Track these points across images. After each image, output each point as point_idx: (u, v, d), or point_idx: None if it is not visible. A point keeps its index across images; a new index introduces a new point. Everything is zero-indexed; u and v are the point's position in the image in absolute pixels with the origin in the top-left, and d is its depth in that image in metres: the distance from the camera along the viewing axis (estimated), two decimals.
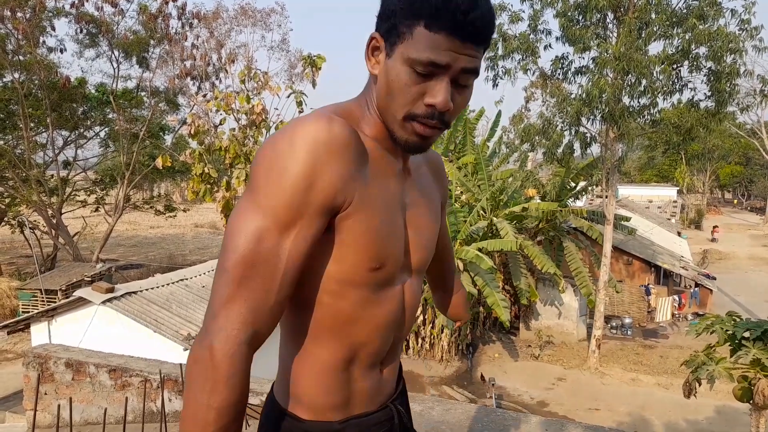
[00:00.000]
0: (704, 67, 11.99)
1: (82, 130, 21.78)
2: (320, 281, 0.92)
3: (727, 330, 4.66)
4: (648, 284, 18.17)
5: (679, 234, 27.10)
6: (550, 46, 13.12)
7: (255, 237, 0.82)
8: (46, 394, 4.65)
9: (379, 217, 0.92)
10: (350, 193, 0.87)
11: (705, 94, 12.43)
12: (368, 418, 1.04)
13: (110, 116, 21.11)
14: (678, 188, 42.94)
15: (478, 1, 0.82)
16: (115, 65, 20.09)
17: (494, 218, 14.15)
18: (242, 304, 0.81)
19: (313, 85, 15.87)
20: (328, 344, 0.97)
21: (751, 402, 4.65)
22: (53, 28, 18.40)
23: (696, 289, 18.42)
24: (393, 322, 1.02)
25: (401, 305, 1.03)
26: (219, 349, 0.79)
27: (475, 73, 0.89)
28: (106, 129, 22.19)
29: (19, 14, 16.57)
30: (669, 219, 31.72)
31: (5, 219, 21.11)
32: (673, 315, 17.77)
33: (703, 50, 11.76)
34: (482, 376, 13.08)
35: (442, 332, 13.80)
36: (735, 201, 60.65)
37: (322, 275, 0.92)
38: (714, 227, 34.67)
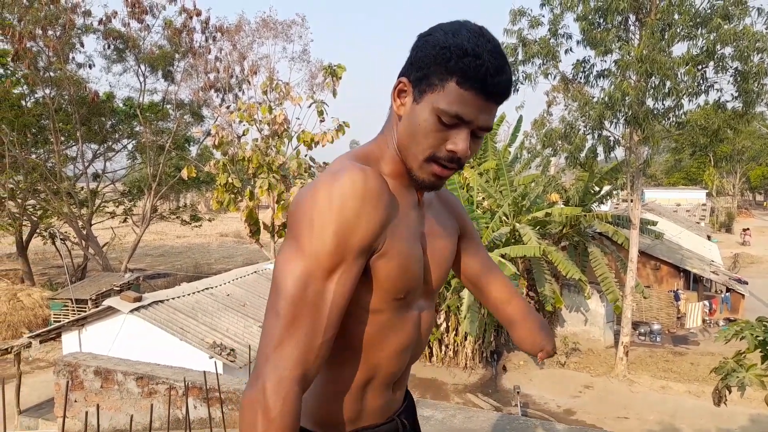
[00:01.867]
0: (730, 67, 11.75)
1: (110, 143, 22.35)
2: (350, 310, 0.97)
3: (757, 336, 4.53)
4: (677, 289, 17.78)
5: (708, 238, 26.48)
6: (571, 50, 13.00)
7: (302, 281, 0.88)
8: (75, 401, 4.77)
9: (407, 251, 0.99)
10: (384, 236, 0.94)
11: (732, 94, 12.17)
12: (375, 429, 1.10)
13: (137, 129, 21.62)
14: (707, 191, 41.99)
15: (504, 66, 0.92)
16: (141, 79, 20.61)
17: (517, 224, 14.04)
18: (293, 345, 0.86)
19: (334, 94, 16.00)
20: (350, 367, 1.03)
21: None
22: (82, 45, 18.97)
23: (727, 294, 17.95)
24: (410, 345, 1.08)
25: (418, 329, 1.10)
26: (272, 391, 0.83)
27: (489, 130, 0.98)
28: (134, 142, 22.72)
29: (50, 32, 17.11)
30: (698, 223, 31.01)
31: (37, 231, 21.72)
32: (704, 321, 17.34)
33: (728, 50, 11.53)
34: (504, 367, 12.96)
35: (466, 339, 13.70)
36: (765, 203, 59.00)
37: (352, 305, 0.97)
38: (745, 230, 33.75)
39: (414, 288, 1.03)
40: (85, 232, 19.83)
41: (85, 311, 12.11)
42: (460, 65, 0.89)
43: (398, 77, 0.99)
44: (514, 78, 0.93)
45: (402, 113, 0.98)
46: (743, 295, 17.73)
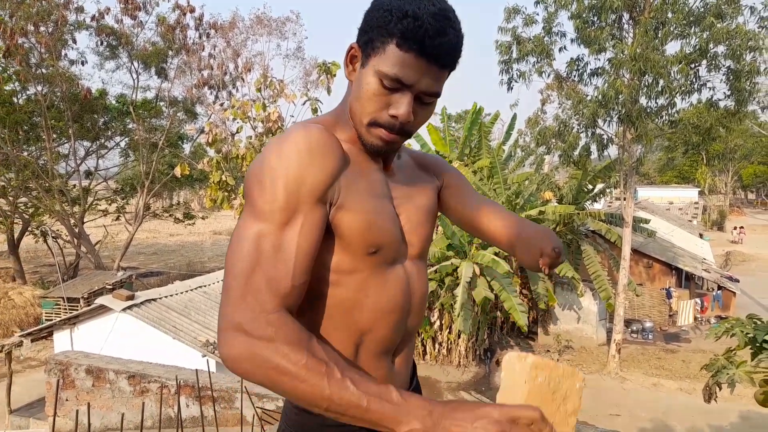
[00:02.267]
0: (723, 65, 11.83)
1: (102, 141, 22.21)
2: (319, 274, 0.96)
3: (747, 333, 4.56)
4: (669, 287, 17.88)
5: (701, 236, 26.63)
6: (565, 48, 13.04)
7: (256, 239, 0.86)
8: (67, 400, 4.75)
9: (369, 205, 0.98)
10: (337, 188, 0.93)
11: (724, 93, 12.25)
12: None
13: (130, 126, 21.49)
14: (699, 189, 42.23)
15: (446, 28, 0.90)
16: (134, 76, 20.47)
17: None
18: (255, 291, 0.83)
19: (328, 92, 15.97)
20: (333, 335, 0.99)
21: None
22: (74, 41, 18.82)
23: (719, 291, 18.07)
24: (398, 306, 1.04)
25: (405, 289, 1.06)
26: (251, 325, 0.80)
27: (436, 95, 0.96)
28: (126, 139, 22.59)
29: (42, 28, 16.98)
30: (690, 221, 31.21)
31: (29, 229, 21.57)
32: (695, 318, 17.45)
33: (721, 49, 11.60)
34: (498, 361, 12.98)
35: (459, 337, 13.73)
36: (756, 201, 59.43)
37: (320, 269, 0.96)
38: (740, 228, 33.94)
39: (386, 243, 1.00)
40: (77, 230, 19.70)
41: (77, 310, 12.04)
42: (399, 26, 0.89)
43: (351, 43, 0.99)
44: (462, 43, 0.91)
45: (353, 78, 0.99)
46: (734, 293, 17.86)
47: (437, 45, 0.90)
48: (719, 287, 18.11)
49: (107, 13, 18.47)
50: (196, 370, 4.10)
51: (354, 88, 0.99)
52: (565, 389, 0.88)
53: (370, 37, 0.94)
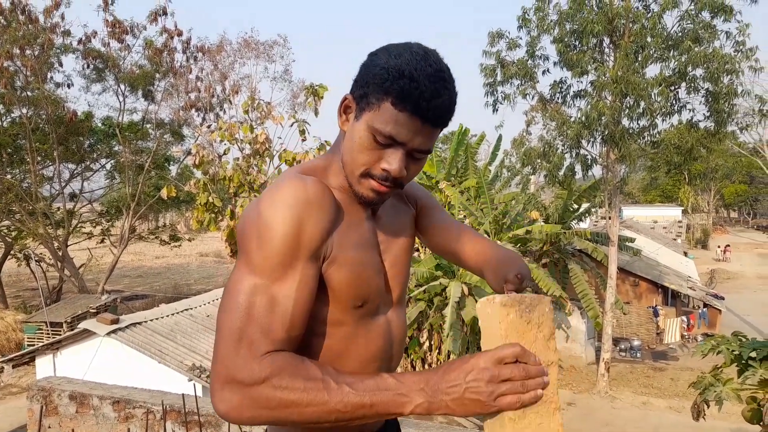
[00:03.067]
0: (702, 88, 12.13)
1: (88, 163, 22.04)
2: (309, 325, 0.96)
3: (733, 350, 4.61)
4: (656, 305, 18.00)
5: (685, 254, 26.94)
6: (548, 71, 13.32)
7: (250, 293, 0.87)
8: (50, 427, 4.63)
9: (359, 258, 1.00)
10: (330, 243, 0.95)
11: (704, 114, 12.54)
12: None
13: (116, 149, 21.38)
14: (682, 208, 42.84)
15: (441, 91, 0.92)
16: (121, 99, 20.44)
17: (498, 242, 14.12)
18: (249, 341, 0.84)
19: (316, 114, 16.07)
20: None
21: (761, 424, 4.56)
22: (61, 64, 18.79)
23: (704, 309, 18.23)
24: (381, 355, 1.07)
25: (388, 338, 1.09)
26: (249, 373, 0.81)
27: (427, 152, 0.99)
28: (112, 161, 22.45)
29: (27, 52, 16.95)
30: (675, 239, 31.57)
31: (11, 252, 21.22)
32: (682, 336, 17.56)
33: (699, 72, 11.90)
34: None
35: (449, 358, 13.65)
36: (734, 221, 60.33)
37: (310, 320, 0.96)
38: (726, 246, 34.39)
39: (372, 296, 1.03)
40: (60, 254, 19.43)
41: (60, 334, 11.82)
42: (395, 86, 0.90)
43: (345, 94, 1.02)
44: (456, 102, 0.97)
45: (346, 129, 1.01)
46: (720, 311, 18.02)
47: (432, 107, 0.92)
48: (705, 305, 18.27)
49: (94, 37, 18.51)
50: (183, 394, 4.04)
51: (346, 140, 1.00)
52: (537, 316, 0.90)
53: (366, 92, 0.95)
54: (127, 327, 9.80)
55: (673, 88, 12.23)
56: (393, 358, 1.12)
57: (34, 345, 11.79)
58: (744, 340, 4.91)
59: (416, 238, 1.31)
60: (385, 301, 1.10)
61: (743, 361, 4.72)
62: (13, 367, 10.46)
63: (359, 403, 0.80)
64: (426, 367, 14.03)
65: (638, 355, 16.16)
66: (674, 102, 12.44)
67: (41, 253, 20.85)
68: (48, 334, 14.14)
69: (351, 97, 1.00)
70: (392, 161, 0.95)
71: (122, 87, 20.15)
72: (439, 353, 13.83)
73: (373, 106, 0.94)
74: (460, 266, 1.34)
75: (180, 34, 19.18)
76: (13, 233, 20.58)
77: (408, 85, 0.90)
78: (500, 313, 0.86)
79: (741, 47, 11.70)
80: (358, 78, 0.98)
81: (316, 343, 0.99)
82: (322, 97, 16.02)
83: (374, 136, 0.94)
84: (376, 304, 1.05)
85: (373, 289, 1.03)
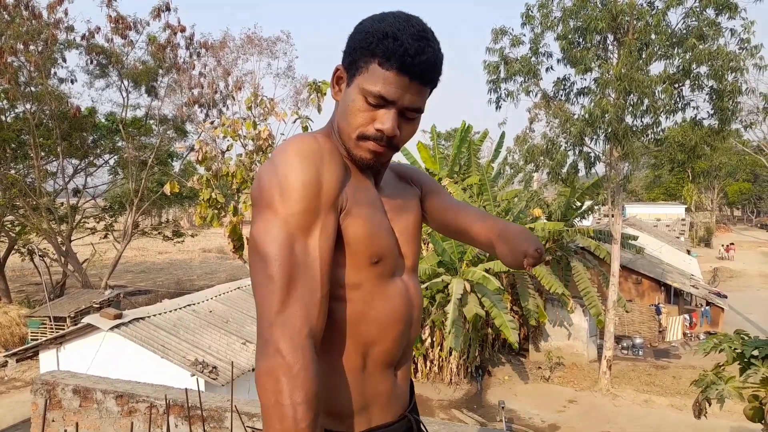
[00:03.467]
0: (706, 85, 12.08)
1: (91, 159, 22.08)
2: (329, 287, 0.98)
3: (735, 348, 4.61)
4: (658, 303, 17.98)
5: (688, 252, 26.88)
6: (551, 68, 13.27)
7: (287, 242, 0.90)
8: (53, 421, 4.66)
9: (370, 216, 1.03)
10: (345, 194, 0.98)
11: (708, 112, 12.49)
12: (388, 429, 1.08)
13: (119, 144, 21.41)
14: (686, 206, 42.71)
15: (425, 48, 0.96)
16: (124, 94, 20.47)
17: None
18: (296, 304, 0.87)
19: (319, 110, 16.06)
20: (342, 348, 1.02)
21: (763, 422, 4.57)
22: (64, 60, 18.81)
23: (707, 307, 18.19)
24: (401, 317, 1.08)
25: (407, 300, 1.10)
26: (288, 350, 0.84)
27: (418, 111, 1.02)
28: (116, 157, 22.48)
29: (31, 47, 16.97)
30: (678, 237, 31.48)
31: (15, 247, 21.30)
32: (684, 334, 17.53)
33: (704, 69, 11.85)
34: (489, 372, 12.89)
35: (451, 354, 13.68)
36: (737, 219, 60.12)
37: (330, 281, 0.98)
38: (730, 244, 34.28)
39: (386, 254, 1.04)
40: (64, 249, 19.49)
41: (64, 329, 11.87)
42: (380, 47, 0.95)
43: (336, 65, 1.05)
44: (441, 61, 1.02)
45: (339, 98, 1.05)
46: (723, 309, 17.99)
47: (417, 63, 0.95)
48: (708, 303, 18.23)
49: (97, 33, 18.52)
50: (186, 389, 4.06)
51: (340, 106, 1.04)
52: None
53: (354, 58, 0.99)
54: (130, 322, 9.84)
55: (677, 85, 12.18)
56: (413, 323, 1.12)
57: (37, 339, 11.85)
58: (746, 338, 4.90)
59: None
60: (400, 265, 1.11)
61: (745, 360, 4.72)
62: (17, 361, 10.52)
63: None
64: (428, 363, 14.06)
65: (640, 353, 16.15)
66: (678, 99, 12.40)
67: (45, 248, 20.92)
68: (51, 328, 14.20)
69: (342, 67, 1.03)
70: (385, 120, 0.98)
71: (125, 83, 20.18)
72: (441, 350, 13.86)
73: (361, 69, 0.98)
74: (469, 243, 1.34)
75: (183, 30, 19.19)
76: (17, 228, 20.65)
77: (392, 44, 0.94)
78: None
79: (746, 45, 11.64)
80: (346, 47, 1.02)
81: (336, 308, 1.00)
82: (324, 94, 16.00)
83: (365, 97, 0.98)
84: (391, 263, 1.06)
85: (387, 246, 1.05)
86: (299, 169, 0.92)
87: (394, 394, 1.11)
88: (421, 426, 1.17)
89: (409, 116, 1.02)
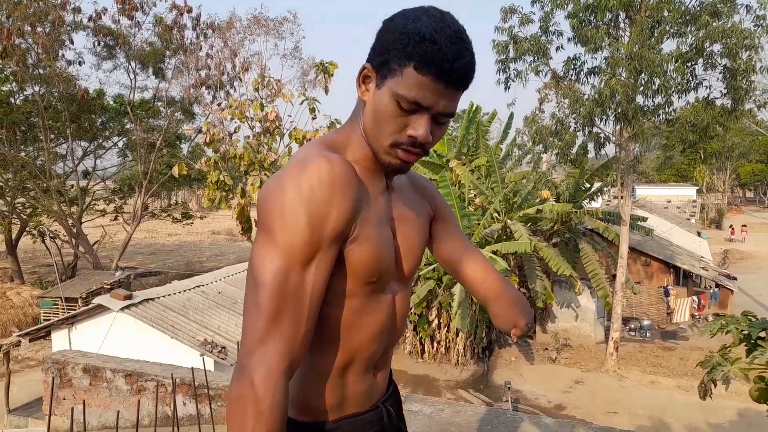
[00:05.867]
0: (719, 64, 11.84)
1: (100, 141, 22.19)
2: (324, 297, 0.98)
3: (742, 330, 4.58)
4: (667, 285, 17.91)
5: (699, 234, 26.69)
6: (561, 47, 13.06)
7: (282, 274, 0.88)
8: (64, 399, 4.75)
9: (377, 236, 1.01)
10: (355, 222, 0.96)
11: (721, 91, 12.27)
12: (360, 417, 1.10)
13: (128, 126, 21.48)
14: (697, 188, 42.30)
15: (463, 52, 0.92)
16: (132, 76, 20.46)
17: (508, 220, 14.09)
18: (278, 337, 0.87)
19: (326, 91, 15.99)
20: (328, 352, 1.04)
21: None
22: (72, 42, 18.80)
23: (716, 289, 18.11)
24: (386, 328, 1.09)
25: (392, 312, 1.11)
26: (261, 384, 0.84)
27: (451, 116, 0.98)
28: (124, 139, 22.58)
29: (39, 29, 16.96)
30: (688, 219, 31.26)
31: (27, 229, 21.55)
32: (693, 316, 17.49)
33: (717, 47, 11.61)
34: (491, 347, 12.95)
35: (457, 336, 13.75)
36: (748, 201, 59.45)
37: (326, 292, 0.98)
38: (742, 226, 33.91)
39: (385, 272, 1.04)
40: (75, 231, 19.69)
41: (75, 309, 12.04)
42: (417, 50, 0.89)
43: (364, 63, 1.00)
44: (476, 63, 0.96)
45: (366, 99, 0.99)
46: (732, 291, 17.89)
47: (455, 68, 0.91)
48: (717, 285, 18.15)
49: (104, 14, 18.46)
50: (192, 368, 4.11)
51: (369, 109, 0.99)
52: None
53: (387, 59, 0.94)
54: (140, 303, 9.97)
55: (689, 64, 11.96)
56: (395, 331, 1.14)
57: (49, 320, 12.04)
58: (753, 320, 4.88)
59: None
60: (395, 277, 1.11)
61: (752, 341, 4.70)
62: (30, 341, 10.69)
63: None
64: (435, 345, 14.15)
65: (648, 334, 16.15)
66: (690, 78, 12.17)
67: (56, 230, 21.16)
68: (63, 309, 14.42)
69: (370, 66, 0.98)
70: (418, 127, 0.95)
71: (133, 64, 20.16)
72: (447, 331, 13.93)
73: (395, 72, 0.93)
74: (463, 286, 1.35)
75: (190, 10, 19.07)
76: (29, 210, 20.87)
77: (430, 48, 0.89)
78: None
79: (761, 22, 11.38)
80: (376, 45, 0.97)
81: (331, 315, 1.01)
82: (332, 75, 15.90)
83: (399, 102, 0.93)
84: (387, 280, 1.07)
85: (388, 266, 1.04)
86: (307, 200, 0.89)
87: (372, 390, 1.13)
88: (392, 417, 1.18)
89: (441, 121, 0.98)
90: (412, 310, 13.32)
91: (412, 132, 0.95)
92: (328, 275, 0.93)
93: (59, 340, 10.31)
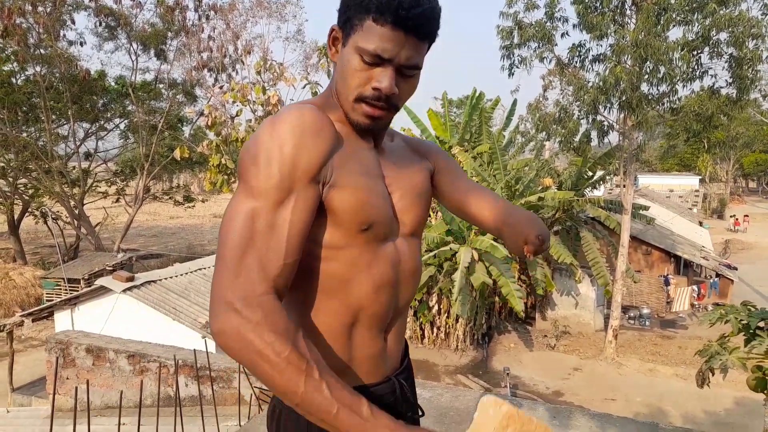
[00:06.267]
0: (725, 53, 11.73)
1: (102, 122, 22.13)
2: (312, 250, 0.98)
3: (741, 320, 4.59)
4: (667, 274, 17.96)
5: (700, 224, 26.66)
6: (567, 33, 12.93)
7: (251, 215, 0.88)
8: (68, 378, 4.81)
9: (360, 183, 1.00)
10: (330, 167, 0.95)
11: (726, 80, 12.17)
12: (372, 389, 1.08)
13: (129, 108, 21.40)
14: (700, 177, 42.15)
15: (420, 0, 0.92)
16: (133, 58, 20.35)
17: None
18: (249, 269, 0.85)
19: (329, 75, 15.87)
20: (328, 309, 1.02)
21: (765, 392, 4.60)
22: (73, 22, 18.65)
23: (716, 279, 18.15)
24: (389, 281, 1.06)
25: (396, 265, 1.08)
26: (242, 304, 0.81)
27: (416, 67, 0.98)
28: (126, 121, 22.52)
29: (40, 8, 16.83)
30: (690, 209, 31.20)
31: (29, 210, 21.59)
32: (692, 305, 17.55)
33: (723, 36, 11.50)
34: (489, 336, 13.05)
35: (457, 322, 13.83)
36: (751, 191, 59.30)
37: (313, 245, 0.98)
38: (744, 216, 33.88)
39: (378, 220, 1.02)
40: (77, 212, 19.73)
41: (78, 290, 12.12)
42: (373, 2, 0.92)
43: (332, 25, 1.02)
44: (439, 13, 0.98)
45: (336, 59, 1.01)
46: (732, 281, 17.93)
47: (412, 16, 0.92)
48: (717, 275, 18.18)
49: None
50: (194, 350, 4.15)
51: (338, 67, 1.01)
52: None
53: (348, 16, 0.96)
54: (142, 285, 10.03)
55: (695, 52, 11.86)
56: (402, 287, 1.10)
57: (52, 300, 12.12)
58: (753, 309, 4.90)
59: (432, 196, 1.30)
60: (393, 230, 1.09)
61: (751, 331, 4.72)
62: (33, 321, 10.78)
63: (326, 408, 0.79)
64: (435, 330, 14.25)
65: (647, 323, 16.22)
66: (696, 67, 12.07)
67: (58, 211, 21.20)
68: (66, 289, 14.51)
69: (337, 27, 1.00)
70: (382, 79, 0.96)
71: (134, 46, 20.03)
72: (447, 317, 14.01)
73: (356, 27, 0.95)
74: (476, 225, 1.32)
75: None
76: (30, 191, 20.89)
77: None
78: (500, 422, 0.83)
79: None
80: (340, 5, 0.99)
81: (325, 270, 0.99)
82: None
83: (361, 56, 0.95)
84: (382, 229, 1.04)
85: (378, 213, 1.03)
86: (278, 146, 0.90)
87: (383, 357, 1.10)
88: (405, 390, 1.16)
89: (407, 73, 0.98)
90: (419, 282, 13.37)
91: (375, 84, 0.96)
92: (307, 216, 0.92)
93: (62, 321, 10.39)
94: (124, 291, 9.68)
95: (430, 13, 0.95)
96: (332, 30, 1.01)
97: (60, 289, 15.05)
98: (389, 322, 1.11)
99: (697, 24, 11.58)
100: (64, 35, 18.67)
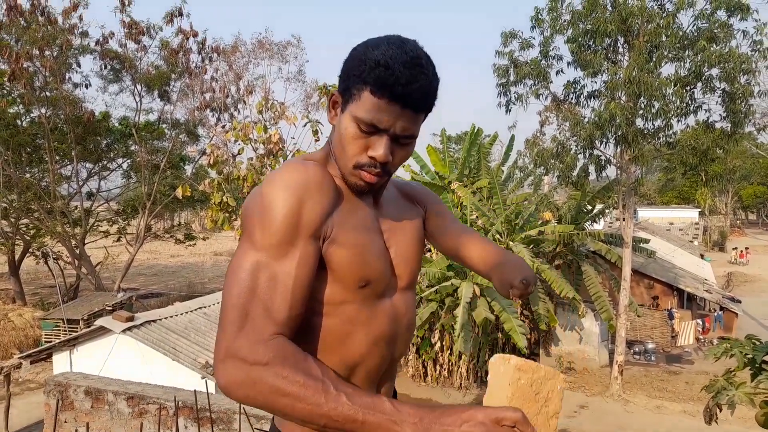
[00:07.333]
0: (718, 88, 11.96)
1: (105, 162, 22.37)
2: (310, 306, 1.00)
3: (746, 354, 4.55)
4: (671, 308, 17.81)
5: (702, 256, 26.59)
6: (561, 71, 13.22)
7: (253, 270, 0.91)
8: (66, 422, 4.73)
9: (360, 240, 1.03)
10: (331, 223, 0.99)
11: (720, 115, 12.37)
12: None
13: (132, 148, 21.65)
14: (699, 210, 42.26)
15: (418, 76, 0.96)
16: (137, 99, 20.71)
17: (510, 242, 14.09)
18: (253, 320, 0.87)
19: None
20: (326, 363, 1.02)
21: None
22: (79, 65, 19.08)
23: (720, 312, 17.99)
24: (386, 337, 1.09)
25: (393, 319, 1.11)
26: (249, 350, 0.84)
27: (412, 137, 1.03)
28: (129, 161, 22.75)
29: (47, 53, 17.24)
30: (691, 241, 31.16)
31: (30, 250, 21.59)
32: (697, 339, 17.34)
33: (715, 71, 11.74)
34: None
35: (460, 359, 13.64)
36: (751, 223, 59.33)
37: (312, 301, 1.00)
38: (745, 249, 33.84)
39: (375, 277, 1.05)
40: (78, 252, 19.73)
41: (77, 331, 12.01)
42: (372, 75, 0.95)
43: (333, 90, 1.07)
44: (436, 87, 1.02)
45: (334, 123, 1.07)
46: (736, 314, 17.77)
47: (409, 92, 0.96)
48: (721, 308, 18.03)
49: (111, 38, 18.76)
50: (195, 391, 4.11)
51: (335, 133, 1.06)
52: (547, 391, 0.91)
53: (348, 85, 1.01)
54: (142, 324, 9.95)
55: (688, 88, 12.08)
56: (398, 342, 1.13)
57: (51, 341, 12.00)
58: (757, 343, 4.85)
59: (426, 240, 1.34)
60: (391, 285, 1.12)
61: (756, 365, 4.66)
62: (31, 363, 10.65)
63: (351, 416, 0.81)
64: (438, 368, 14.05)
65: (653, 358, 15.99)
66: (689, 102, 12.28)
67: (59, 251, 21.19)
68: (65, 330, 14.38)
69: (338, 93, 1.05)
70: (377, 147, 1.00)
71: (139, 87, 20.41)
72: (450, 353, 13.83)
73: (354, 96, 0.99)
74: (468, 268, 1.38)
75: (195, 35, 19.38)
76: (32, 231, 20.94)
77: (384, 73, 0.94)
78: (512, 376, 0.87)
79: (758, 47, 11.52)
80: (341, 73, 1.03)
81: (324, 325, 1.02)
82: None
83: (358, 125, 0.99)
84: (380, 286, 1.08)
85: (376, 270, 1.06)
86: (281, 202, 0.93)
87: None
88: None
89: (403, 142, 1.03)
90: (414, 333, 13.25)
91: (371, 153, 1.00)
92: (310, 271, 0.94)
93: (61, 362, 10.27)
94: (124, 331, 9.60)
95: (428, 88, 0.99)
96: (333, 95, 1.07)
97: (59, 330, 14.92)
98: (382, 376, 1.14)
99: (688, 60, 11.85)
100: (70, 78, 19.07)
